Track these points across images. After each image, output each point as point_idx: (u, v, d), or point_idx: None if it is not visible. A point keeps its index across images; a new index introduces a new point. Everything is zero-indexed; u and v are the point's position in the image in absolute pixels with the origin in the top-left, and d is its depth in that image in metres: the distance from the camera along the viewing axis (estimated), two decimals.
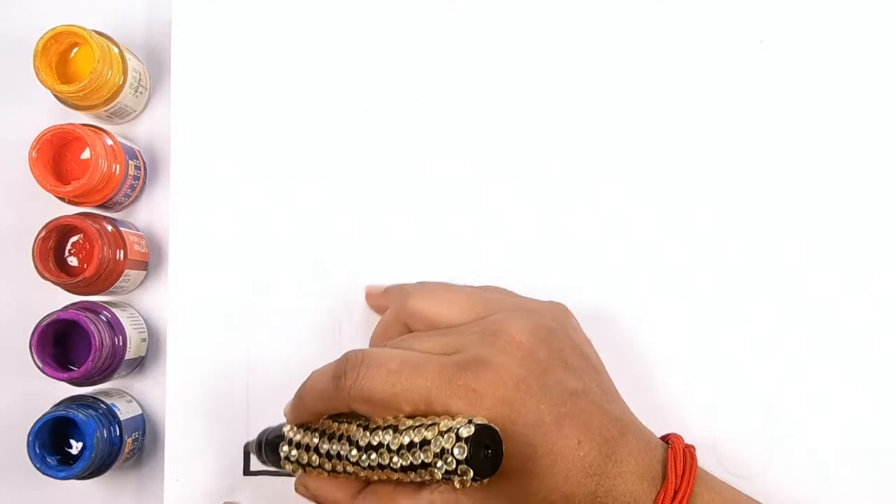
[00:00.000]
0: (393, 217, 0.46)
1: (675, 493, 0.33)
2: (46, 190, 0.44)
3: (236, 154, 0.47)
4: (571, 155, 0.46)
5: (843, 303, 0.45)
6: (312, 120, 0.47)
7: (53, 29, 0.44)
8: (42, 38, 0.44)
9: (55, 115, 0.48)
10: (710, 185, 0.46)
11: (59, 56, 0.45)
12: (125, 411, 0.46)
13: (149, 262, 0.48)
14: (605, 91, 0.46)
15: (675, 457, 0.34)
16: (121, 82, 0.46)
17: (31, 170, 0.43)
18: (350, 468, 0.35)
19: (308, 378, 0.37)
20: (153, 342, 0.48)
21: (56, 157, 0.45)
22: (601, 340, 0.39)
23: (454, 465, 0.31)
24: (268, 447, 0.39)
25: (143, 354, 0.48)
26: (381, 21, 0.47)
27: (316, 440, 0.36)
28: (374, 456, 0.33)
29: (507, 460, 0.31)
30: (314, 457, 0.36)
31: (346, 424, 0.35)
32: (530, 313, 0.37)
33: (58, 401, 0.46)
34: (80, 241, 0.46)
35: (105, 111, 0.47)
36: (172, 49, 0.47)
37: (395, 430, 0.33)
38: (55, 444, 0.44)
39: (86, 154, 0.45)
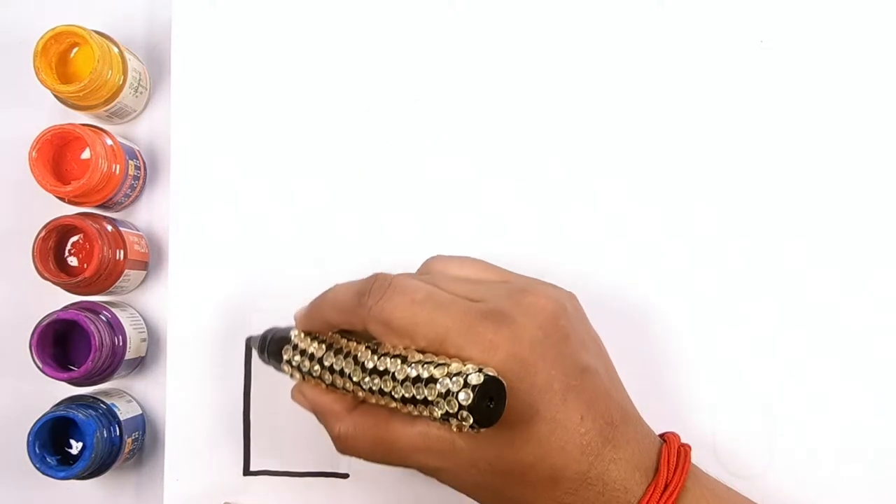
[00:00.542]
0: (393, 217, 0.46)
1: (666, 486, 0.33)
2: (46, 190, 0.44)
3: (236, 154, 0.47)
4: (571, 155, 0.46)
5: (843, 303, 0.45)
6: (312, 120, 0.47)
7: (53, 29, 0.44)
8: (42, 38, 0.44)
9: (55, 115, 0.48)
10: (709, 185, 0.46)
11: (59, 56, 0.45)
12: (125, 411, 0.46)
13: (149, 262, 0.48)
14: (605, 90, 0.46)
15: (670, 452, 0.35)
16: (121, 82, 0.46)
17: (31, 170, 0.43)
18: (350, 386, 0.35)
19: (330, 289, 0.37)
20: (153, 342, 0.48)
21: (56, 157, 0.45)
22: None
23: (455, 409, 0.31)
24: (272, 345, 0.39)
25: (143, 354, 0.48)
26: (381, 21, 0.47)
27: (322, 352, 0.36)
28: (377, 380, 0.33)
29: (506, 416, 0.31)
30: (316, 367, 0.36)
31: (354, 343, 0.35)
32: (556, 288, 0.37)
33: (58, 401, 0.46)
34: (80, 241, 0.46)
35: (105, 111, 0.47)
36: (172, 49, 0.47)
37: (404, 360, 0.33)
38: (55, 444, 0.44)
39: (86, 154, 0.45)
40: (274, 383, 0.45)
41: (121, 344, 0.45)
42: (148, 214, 0.49)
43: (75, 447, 0.45)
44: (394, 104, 0.47)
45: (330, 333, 0.37)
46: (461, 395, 0.31)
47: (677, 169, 0.46)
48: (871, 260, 0.45)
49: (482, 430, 0.31)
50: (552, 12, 0.47)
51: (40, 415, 0.43)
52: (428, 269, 0.38)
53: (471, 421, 0.31)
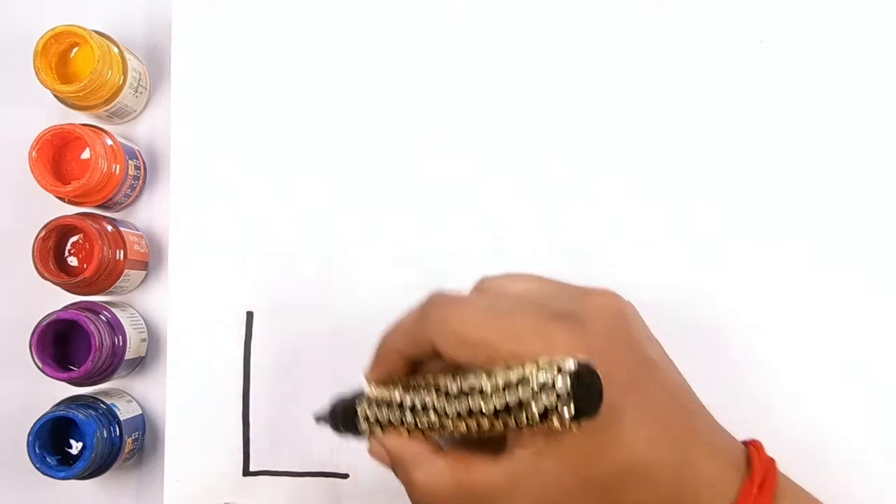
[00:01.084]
0: (393, 217, 0.46)
1: (762, 482, 0.32)
2: (46, 190, 0.44)
3: (236, 154, 0.47)
4: (572, 155, 0.46)
5: (843, 303, 0.45)
6: (312, 120, 0.47)
7: (53, 29, 0.44)
8: (42, 38, 0.44)
9: (55, 115, 0.48)
10: (709, 185, 0.46)
11: (59, 56, 0.45)
12: (125, 411, 0.46)
13: (149, 262, 0.48)
14: (606, 90, 0.46)
15: (760, 451, 0.34)
16: (121, 82, 0.46)
17: (31, 170, 0.43)
18: (434, 419, 0.33)
19: (387, 327, 0.35)
20: (153, 342, 0.48)
21: (56, 157, 0.45)
22: None
23: (554, 401, 0.29)
24: (344, 410, 0.36)
25: (143, 354, 0.48)
26: (381, 21, 0.47)
27: (399, 395, 0.34)
28: (464, 402, 0.31)
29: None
30: (395, 412, 0.34)
31: (431, 375, 0.34)
32: (612, 291, 0.35)
33: (58, 401, 0.46)
34: (80, 241, 0.46)
35: (105, 111, 0.47)
36: (172, 49, 0.47)
37: (489, 374, 0.31)
38: (55, 444, 0.44)
39: (86, 154, 0.45)
40: (274, 383, 0.45)
41: (121, 344, 0.45)
42: (148, 214, 0.49)
43: (75, 447, 0.45)
44: (394, 104, 0.47)
45: (403, 377, 0.35)
46: (558, 384, 0.29)
47: (676, 169, 0.46)
48: (872, 260, 0.45)
49: (583, 420, 0.29)
50: (552, 12, 0.47)
51: (40, 415, 0.43)
52: (481, 288, 0.37)
53: (573, 410, 0.29)
